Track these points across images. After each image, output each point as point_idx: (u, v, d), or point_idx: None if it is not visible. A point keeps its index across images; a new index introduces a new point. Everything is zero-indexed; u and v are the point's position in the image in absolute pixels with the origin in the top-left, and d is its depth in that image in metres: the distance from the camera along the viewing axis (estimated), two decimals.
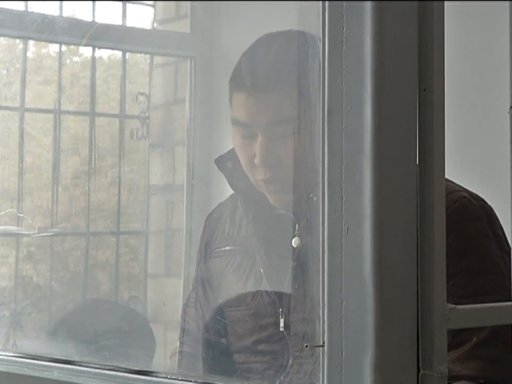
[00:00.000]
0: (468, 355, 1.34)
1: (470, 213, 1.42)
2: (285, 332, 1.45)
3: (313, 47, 1.23)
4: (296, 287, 1.44)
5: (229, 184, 1.59)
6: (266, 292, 1.50)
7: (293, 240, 1.47)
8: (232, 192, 1.62)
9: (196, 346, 1.63)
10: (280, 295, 1.49)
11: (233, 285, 1.57)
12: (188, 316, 1.67)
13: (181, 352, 1.67)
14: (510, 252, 1.45)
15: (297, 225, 1.47)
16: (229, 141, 1.60)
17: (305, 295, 1.32)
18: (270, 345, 1.48)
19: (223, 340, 1.57)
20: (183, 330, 1.68)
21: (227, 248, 1.59)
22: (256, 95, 1.49)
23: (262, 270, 1.51)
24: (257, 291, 1.52)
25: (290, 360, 1.44)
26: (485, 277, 1.39)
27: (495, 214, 1.46)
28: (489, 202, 1.48)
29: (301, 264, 1.42)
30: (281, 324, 1.46)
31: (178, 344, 1.71)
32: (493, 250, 1.42)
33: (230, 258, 1.58)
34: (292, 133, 1.46)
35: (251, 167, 1.50)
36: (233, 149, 1.57)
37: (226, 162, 1.57)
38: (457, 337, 1.30)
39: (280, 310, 1.46)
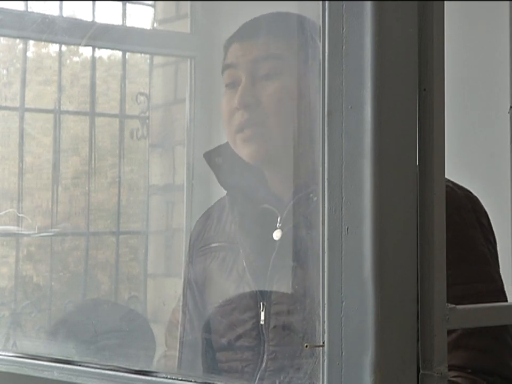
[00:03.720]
0: (455, 344, 1.33)
1: (453, 202, 1.41)
2: (263, 326, 1.45)
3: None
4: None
5: (217, 179, 1.59)
6: (249, 285, 1.50)
7: (274, 232, 1.47)
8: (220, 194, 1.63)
9: (185, 349, 1.63)
10: (261, 288, 1.49)
11: (217, 280, 1.56)
12: (176, 320, 1.67)
13: (169, 357, 1.67)
14: (495, 242, 1.45)
15: (279, 218, 1.48)
16: (223, 139, 1.60)
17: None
18: (248, 341, 1.48)
19: (210, 341, 1.57)
20: (171, 334, 1.68)
21: (212, 245, 1.59)
22: (243, 41, 1.54)
23: (244, 263, 1.51)
24: (239, 284, 1.52)
25: (266, 355, 1.44)
26: (470, 266, 1.39)
27: (481, 204, 1.45)
28: (488, 202, 1.48)
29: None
30: (262, 317, 1.45)
31: (166, 349, 1.71)
32: (478, 239, 1.41)
33: (215, 255, 1.57)
34: (275, 74, 1.48)
35: (230, 116, 1.52)
36: (222, 144, 1.57)
37: (215, 158, 1.58)
38: None
39: (261, 303, 1.46)
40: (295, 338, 1.32)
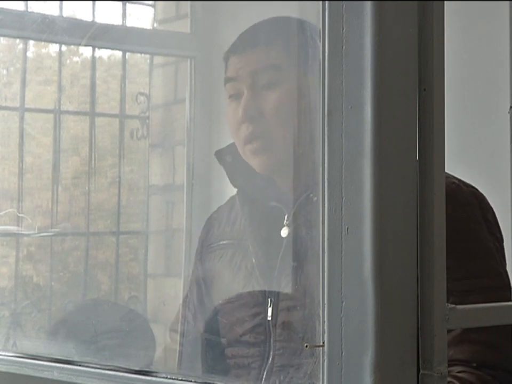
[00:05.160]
0: (460, 339, 1.33)
1: (459, 199, 1.42)
2: (270, 322, 1.46)
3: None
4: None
5: (228, 177, 1.60)
6: (257, 281, 1.51)
7: (282, 230, 1.48)
8: (231, 189, 1.63)
9: (189, 345, 1.64)
10: (269, 284, 1.49)
11: (226, 277, 1.57)
12: (182, 316, 1.68)
13: (179, 352, 1.67)
14: (501, 238, 1.45)
15: (286, 216, 1.48)
16: (228, 140, 1.60)
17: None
18: (255, 336, 1.49)
19: (218, 337, 1.57)
20: (177, 331, 1.69)
21: (221, 242, 1.60)
22: (241, 53, 1.55)
23: (253, 259, 1.52)
24: (248, 281, 1.53)
25: (272, 351, 1.44)
26: (475, 260, 1.39)
27: (487, 201, 1.46)
28: (487, 199, 1.48)
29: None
30: (269, 313, 1.46)
31: (169, 341, 1.72)
32: (483, 235, 1.42)
33: (224, 252, 1.58)
34: (275, 84, 1.50)
35: (237, 129, 1.53)
36: (233, 143, 1.58)
37: (226, 156, 1.59)
38: None
39: (269, 299, 1.47)
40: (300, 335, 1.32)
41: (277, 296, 1.47)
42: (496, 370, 1.35)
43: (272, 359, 1.44)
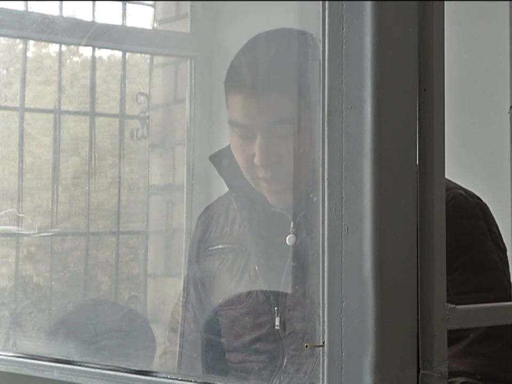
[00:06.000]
0: (464, 351, 1.34)
1: (466, 210, 1.42)
2: (280, 331, 1.45)
3: (313, 47, 1.24)
4: (296, 286, 1.44)
5: (225, 181, 1.58)
6: (261, 290, 1.50)
7: (288, 237, 1.46)
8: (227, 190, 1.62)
9: (187, 346, 1.63)
10: (275, 293, 1.48)
11: (227, 283, 1.56)
12: (179, 316, 1.66)
13: (171, 352, 1.66)
14: (505, 249, 1.45)
15: (292, 223, 1.47)
16: (228, 141, 1.59)
17: (305, 295, 1.32)
18: (265, 344, 1.48)
19: (216, 340, 1.56)
20: (174, 331, 1.68)
21: (220, 246, 1.58)
22: (254, 96, 1.48)
23: (256, 267, 1.50)
24: (251, 288, 1.51)
25: (285, 359, 1.44)
26: (481, 273, 1.40)
27: (490, 212, 1.46)
28: (487, 202, 1.48)
29: (299, 263, 1.42)
30: (277, 323, 1.45)
31: (168, 344, 1.71)
32: (489, 247, 1.42)
33: (224, 257, 1.56)
34: (292, 132, 1.45)
35: (250, 166, 1.49)
36: (229, 146, 1.56)
37: (222, 160, 1.56)
38: (454, 334, 1.30)
39: (276, 308, 1.45)
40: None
41: (284, 305, 1.45)
42: (500, 383, 1.36)
43: (285, 365, 1.44)
